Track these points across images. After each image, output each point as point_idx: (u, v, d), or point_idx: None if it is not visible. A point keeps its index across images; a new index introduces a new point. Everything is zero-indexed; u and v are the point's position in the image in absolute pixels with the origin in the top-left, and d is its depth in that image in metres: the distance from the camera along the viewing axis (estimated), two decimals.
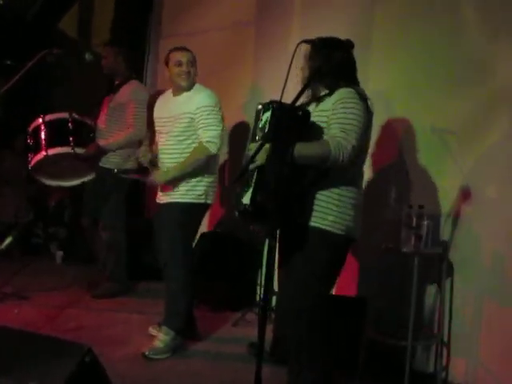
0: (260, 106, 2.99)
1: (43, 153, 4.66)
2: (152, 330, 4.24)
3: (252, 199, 2.82)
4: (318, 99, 3.08)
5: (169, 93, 4.19)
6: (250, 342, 4.06)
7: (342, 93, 2.98)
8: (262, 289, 2.83)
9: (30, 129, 4.80)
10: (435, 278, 3.76)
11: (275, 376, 3.50)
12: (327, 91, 3.05)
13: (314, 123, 3.00)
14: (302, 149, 2.83)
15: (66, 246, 6.47)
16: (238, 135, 5.26)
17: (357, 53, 3.13)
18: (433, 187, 3.92)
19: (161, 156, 4.08)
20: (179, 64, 4.03)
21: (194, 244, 4.62)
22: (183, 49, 4.10)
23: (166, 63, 4.10)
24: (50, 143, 4.66)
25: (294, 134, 2.87)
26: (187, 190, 3.97)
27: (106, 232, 5.16)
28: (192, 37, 5.55)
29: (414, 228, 3.60)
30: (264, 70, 5.09)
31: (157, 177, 4.01)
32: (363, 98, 3.00)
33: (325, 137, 2.96)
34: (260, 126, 2.94)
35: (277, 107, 2.89)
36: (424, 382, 3.76)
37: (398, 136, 4.14)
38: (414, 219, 3.61)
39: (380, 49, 4.27)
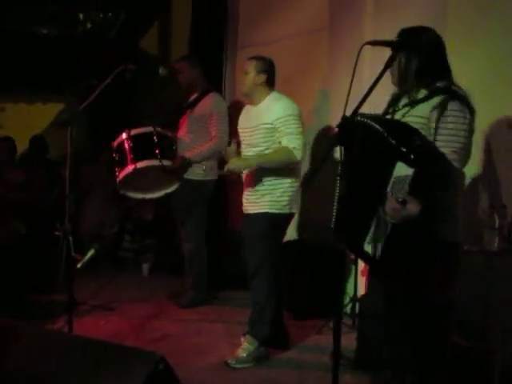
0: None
1: (131, 166, 4.60)
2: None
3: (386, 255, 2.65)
4: (413, 102, 2.84)
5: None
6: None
7: (451, 104, 2.72)
8: (338, 297, 2.71)
9: (115, 144, 4.78)
10: None
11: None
12: (425, 91, 2.82)
13: None
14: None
15: (155, 259, 6.60)
16: (315, 142, 5.20)
17: None
18: None
19: None
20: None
21: None
22: (250, 58, 4.18)
23: None
24: (138, 157, 4.62)
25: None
26: (272, 201, 3.95)
27: (189, 243, 5.25)
28: (267, 45, 5.57)
29: (497, 229, 3.46)
30: (339, 75, 5.00)
31: (233, 161, 3.96)
32: (466, 100, 2.77)
33: None
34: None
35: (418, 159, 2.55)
36: None
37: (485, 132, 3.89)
38: (497, 220, 3.48)
39: (457, 34, 3.96)
